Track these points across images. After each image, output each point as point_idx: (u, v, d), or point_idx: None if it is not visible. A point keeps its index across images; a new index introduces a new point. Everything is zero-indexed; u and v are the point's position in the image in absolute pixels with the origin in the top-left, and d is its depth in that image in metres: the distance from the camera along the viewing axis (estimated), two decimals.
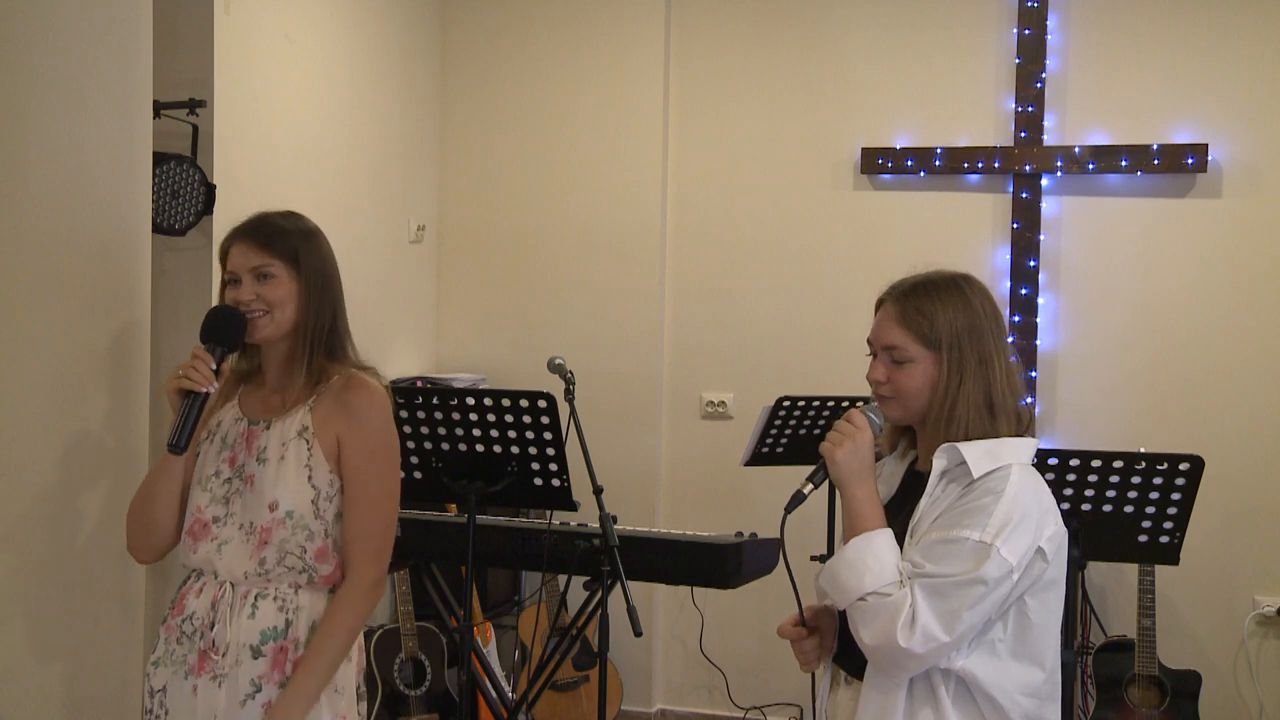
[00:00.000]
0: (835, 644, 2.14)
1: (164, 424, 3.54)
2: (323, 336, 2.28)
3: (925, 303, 2.00)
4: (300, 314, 2.26)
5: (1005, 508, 1.89)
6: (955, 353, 1.97)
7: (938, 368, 1.98)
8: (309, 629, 2.23)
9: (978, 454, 1.94)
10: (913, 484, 2.07)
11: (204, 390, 2.21)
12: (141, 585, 2.73)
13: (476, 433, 3.12)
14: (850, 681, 2.07)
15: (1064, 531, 1.97)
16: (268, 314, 2.24)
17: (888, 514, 2.02)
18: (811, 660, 2.13)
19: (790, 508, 2.06)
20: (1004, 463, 1.94)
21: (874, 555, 1.93)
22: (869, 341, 2.07)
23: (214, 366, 2.22)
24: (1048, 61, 4.69)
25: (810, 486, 2.06)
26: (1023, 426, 2.01)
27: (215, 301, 3.77)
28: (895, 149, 4.83)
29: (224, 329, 2.24)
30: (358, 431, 2.25)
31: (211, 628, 2.21)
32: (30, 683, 2.44)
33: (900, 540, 1.97)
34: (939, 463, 1.97)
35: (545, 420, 3.08)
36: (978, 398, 1.97)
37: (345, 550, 2.25)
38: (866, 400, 2.10)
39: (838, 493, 2.06)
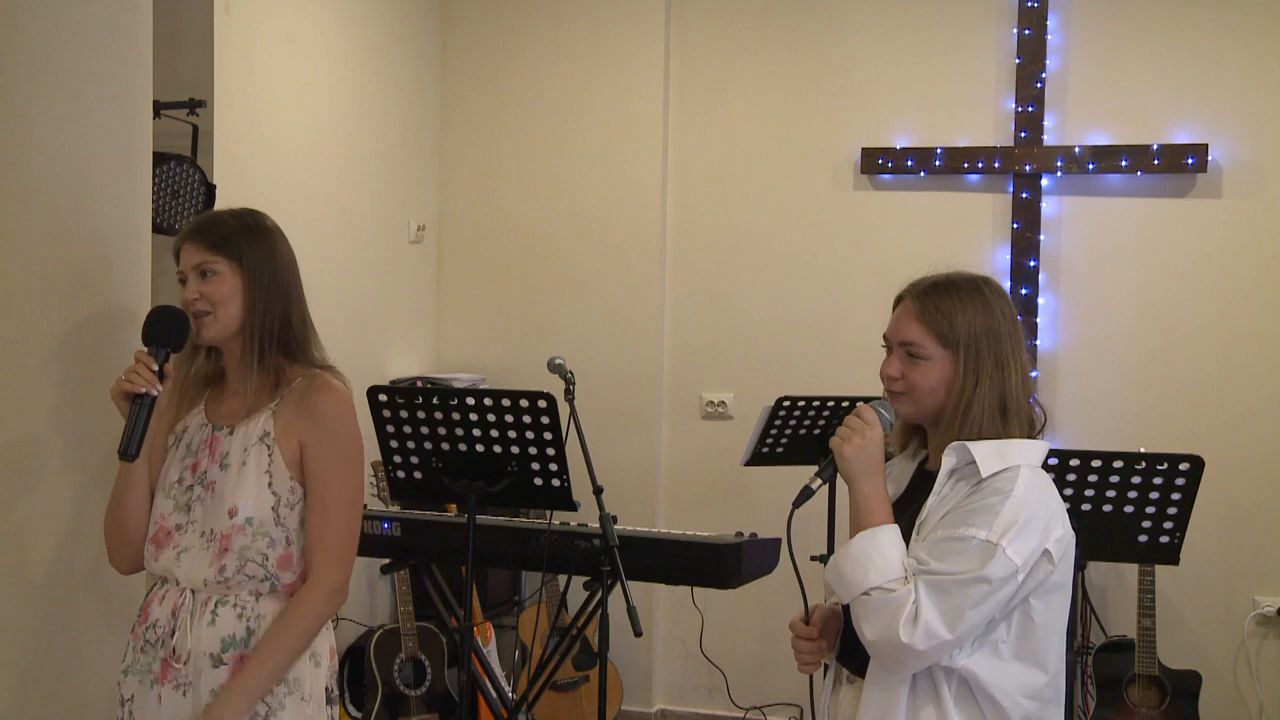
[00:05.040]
0: (837, 646, 2.14)
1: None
2: (273, 334, 2.24)
3: (945, 302, 2.00)
4: (246, 311, 2.23)
5: (1012, 508, 1.89)
6: (972, 354, 1.98)
7: (954, 367, 1.99)
8: None
9: (987, 453, 1.94)
10: (922, 483, 2.07)
11: (148, 392, 2.18)
12: (141, 585, 2.73)
13: (476, 433, 3.12)
14: (853, 680, 2.07)
15: (1071, 535, 1.97)
16: (211, 313, 2.22)
17: (895, 512, 2.02)
18: (811, 662, 2.14)
19: (798, 503, 2.06)
20: (1013, 463, 1.94)
21: (879, 551, 1.93)
22: (885, 337, 2.07)
23: (156, 368, 2.19)
24: (1048, 61, 4.69)
25: (819, 482, 2.06)
26: (1035, 429, 2.02)
27: None
28: (895, 149, 4.83)
29: (165, 329, 2.23)
30: (319, 434, 2.21)
31: (172, 635, 2.19)
32: (29, 682, 2.44)
33: (906, 538, 1.98)
34: (948, 460, 1.97)
35: (545, 420, 3.08)
36: (992, 400, 1.97)
37: (307, 554, 2.22)
38: (869, 399, 2.10)
39: (837, 493, 2.06)
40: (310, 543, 2.22)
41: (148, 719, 2.20)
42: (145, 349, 2.22)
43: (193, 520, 2.23)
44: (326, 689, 2.28)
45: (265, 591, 2.21)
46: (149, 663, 2.21)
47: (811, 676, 2.10)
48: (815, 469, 2.09)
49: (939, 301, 2.01)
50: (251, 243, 2.25)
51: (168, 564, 2.23)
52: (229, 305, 2.22)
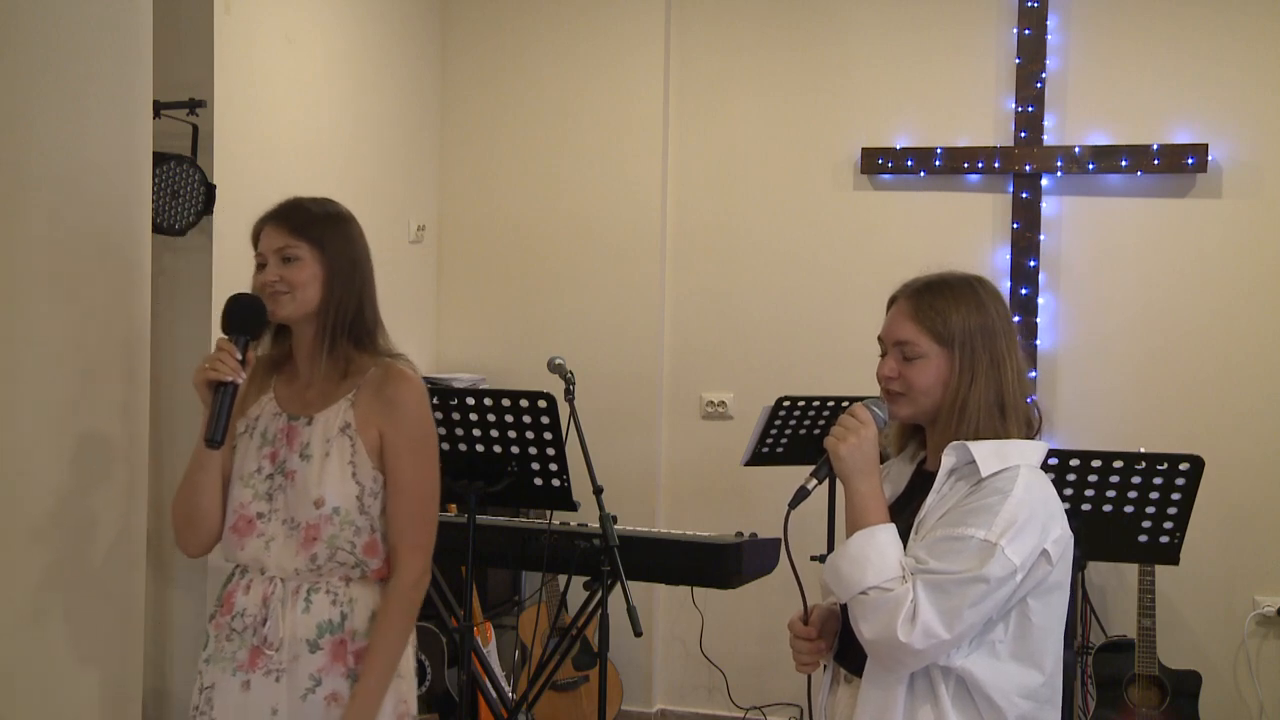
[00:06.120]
0: (835, 645, 2.14)
1: (162, 424, 3.55)
2: (347, 322, 2.27)
3: (939, 300, 2.00)
4: (324, 297, 2.25)
5: (1012, 508, 1.89)
6: (968, 351, 1.98)
7: (950, 365, 1.99)
8: (367, 619, 2.26)
9: (987, 453, 1.94)
10: (920, 483, 2.07)
11: (232, 380, 2.19)
12: (141, 585, 2.73)
13: (476, 433, 3.13)
14: (850, 679, 2.07)
15: (1070, 536, 1.97)
16: (289, 294, 2.24)
17: (893, 512, 2.02)
18: (809, 663, 2.13)
19: (794, 503, 2.06)
20: (1013, 463, 1.94)
21: (876, 550, 1.93)
22: (880, 339, 2.07)
23: (239, 357, 2.20)
24: (1048, 61, 4.69)
25: (814, 482, 2.06)
26: (1033, 429, 2.02)
27: (222, 300, 3.78)
28: (895, 149, 4.83)
29: (244, 318, 2.24)
30: (398, 424, 2.25)
31: (264, 624, 2.22)
32: (29, 682, 2.44)
33: (905, 537, 1.97)
34: (948, 460, 1.97)
35: (545, 420, 3.08)
36: (989, 397, 1.97)
37: (391, 546, 2.26)
38: (868, 399, 2.10)
39: (837, 493, 2.06)
40: (392, 532, 2.26)
41: (229, 705, 2.23)
42: (226, 337, 2.23)
43: (275, 509, 2.26)
44: (414, 664, 2.37)
45: (355, 577, 2.26)
46: (234, 651, 2.24)
47: (810, 676, 2.10)
48: (811, 469, 2.09)
49: (932, 300, 2.01)
50: (333, 230, 2.29)
51: (256, 553, 2.26)
52: (308, 290, 2.24)
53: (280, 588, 2.23)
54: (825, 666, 2.17)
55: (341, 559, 2.23)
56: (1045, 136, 4.69)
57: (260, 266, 2.28)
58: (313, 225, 2.26)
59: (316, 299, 2.25)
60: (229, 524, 2.28)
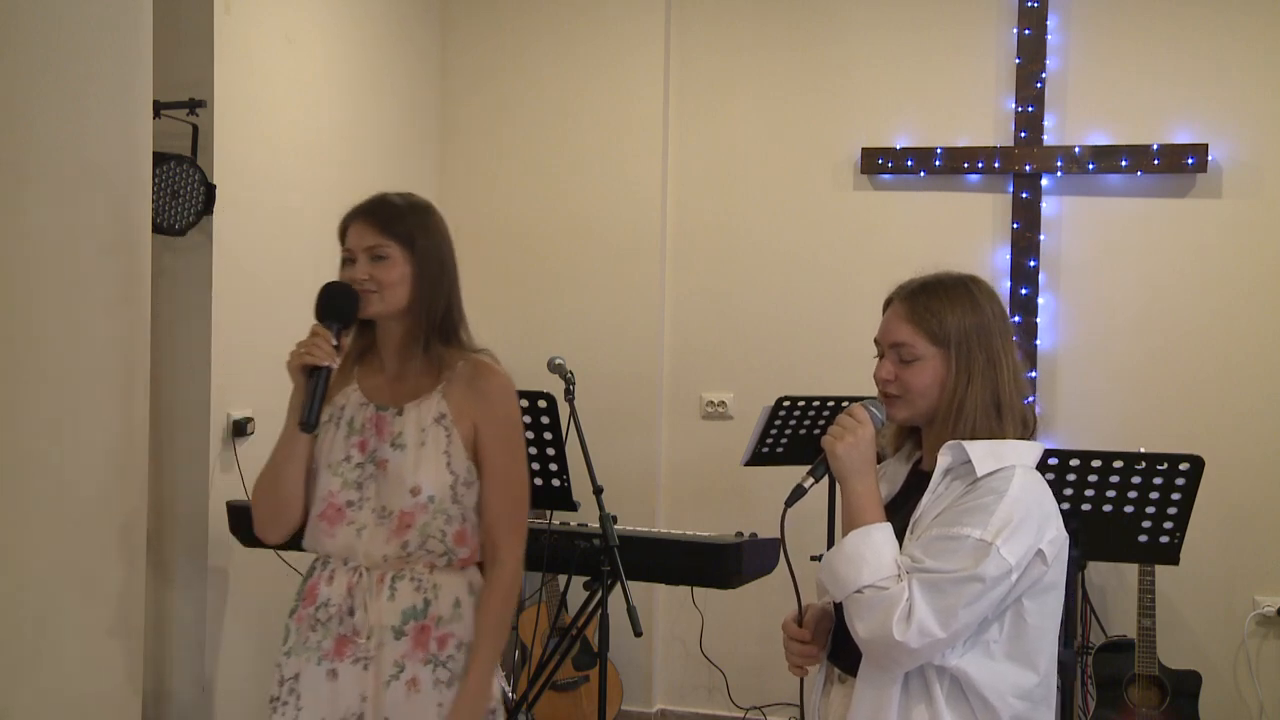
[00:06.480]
0: (829, 645, 2.14)
1: (162, 424, 3.55)
2: (437, 321, 2.30)
3: (934, 301, 2.01)
4: (413, 297, 2.28)
5: (1007, 508, 1.89)
6: (964, 351, 1.98)
7: (946, 366, 1.99)
8: (451, 605, 2.27)
9: (982, 453, 1.94)
10: (916, 483, 2.07)
11: (327, 365, 2.21)
12: (141, 585, 2.74)
13: None
14: (844, 679, 2.07)
15: (1065, 536, 1.97)
16: (378, 292, 2.26)
17: (889, 512, 2.02)
18: (800, 664, 2.14)
19: (790, 501, 2.06)
20: (1008, 463, 1.94)
21: (872, 549, 1.93)
22: (876, 341, 2.08)
23: (334, 343, 2.23)
24: (1048, 61, 4.69)
25: (811, 480, 2.06)
26: (1028, 429, 2.02)
27: (222, 300, 3.78)
28: (895, 149, 4.83)
29: (338, 305, 2.25)
30: (493, 417, 2.30)
31: (350, 613, 2.24)
32: (30, 682, 2.44)
33: (901, 537, 1.98)
34: (943, 460, 1.97)
35: (545, 420, 3.08)
36: (985, 397, 1.98)
37: (489, 535, 2.30)
38: (867, 399, 2.10)
39: (837, 492, 2.05)
40: (491, 522, 2.30)
41: (316, 694, 2.25)
42: (320, 324, 2.25)
43: (365, 498, 2.28)
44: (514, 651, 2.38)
45: (442, 565, 2.29)
46: (319, 640, 2.26)
47: (802, 679, 2.10)
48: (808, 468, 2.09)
49: (928, 301, 2.01)
50: (422, 229, 2.30)
51: (347, 540, 2.28)
52: (397, 290, 2.27)
53: (365, 577, 2.25)
54: (820, 667, 2.17)
55: (431, 546, 2.26)
56: (1045, 136, 4.69)
57: (346, 261, 2.29)
58: (401, 221, 2.28)
59: (405, 299, 2.28)
60: (317, 512, 2.30)
